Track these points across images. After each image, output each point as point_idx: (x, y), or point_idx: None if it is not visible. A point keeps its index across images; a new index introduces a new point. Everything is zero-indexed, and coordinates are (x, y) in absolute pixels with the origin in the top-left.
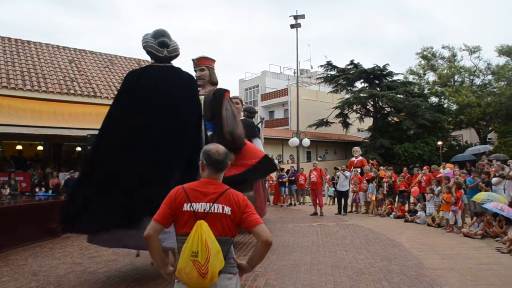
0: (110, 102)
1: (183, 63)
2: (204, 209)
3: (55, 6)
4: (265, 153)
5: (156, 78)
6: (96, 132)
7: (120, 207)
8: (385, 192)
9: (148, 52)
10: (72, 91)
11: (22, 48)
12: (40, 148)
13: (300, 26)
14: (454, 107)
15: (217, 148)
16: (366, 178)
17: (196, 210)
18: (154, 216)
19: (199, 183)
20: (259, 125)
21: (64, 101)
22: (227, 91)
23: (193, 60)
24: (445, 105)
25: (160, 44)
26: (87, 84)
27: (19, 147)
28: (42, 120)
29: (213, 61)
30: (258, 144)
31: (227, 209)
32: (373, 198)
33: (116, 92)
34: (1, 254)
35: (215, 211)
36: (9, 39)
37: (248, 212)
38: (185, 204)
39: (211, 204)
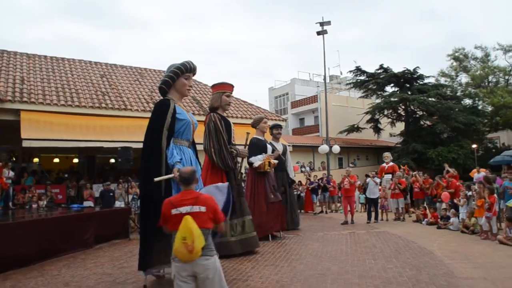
0: (140, 114)
1: (211, 73)
2: (187, 210)
3: (86, 22)
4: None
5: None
6: (127, 144)
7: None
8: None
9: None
10: (103, 105)
11: (57, 65)
12: (75, 160)
13: (327, 33)
14: (489, 109)
15: (185, 168)
16: (399, 183)
17: (181, 212)
18: (159, 222)
19: (180, 194)
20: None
21: (96, 115)
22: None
23: (228, 84)
24: (480, 107)
25: None
26: (118, 97)
27: (56, 160)
28: (75, 134)
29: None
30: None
31: (203, 208)
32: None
33: (145, 105)
34: (37, 264)
35: (194, 210)
36: (45, 57)
37: (217, 211)
38: (172, 210)
39: (191, 206)
